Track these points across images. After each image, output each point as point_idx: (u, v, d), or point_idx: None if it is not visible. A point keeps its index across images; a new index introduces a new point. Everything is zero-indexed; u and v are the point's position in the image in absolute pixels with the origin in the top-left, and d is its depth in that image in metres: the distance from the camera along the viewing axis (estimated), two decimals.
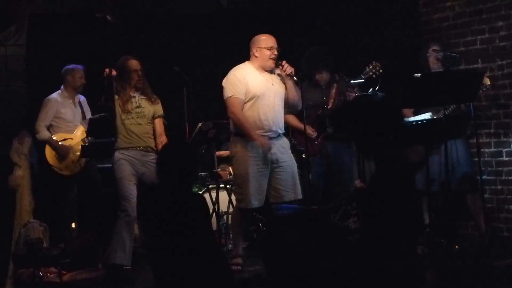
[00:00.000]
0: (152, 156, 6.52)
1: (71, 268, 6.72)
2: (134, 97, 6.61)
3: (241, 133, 6.27)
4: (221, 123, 6.97)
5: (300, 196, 6.37)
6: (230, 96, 6.28)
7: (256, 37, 6.40)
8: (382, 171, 5.63)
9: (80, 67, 7.50)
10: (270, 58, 6.30)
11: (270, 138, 6.28)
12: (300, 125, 6.69)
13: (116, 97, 6.51)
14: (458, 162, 6.84)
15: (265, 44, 6.31)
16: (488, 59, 7.31)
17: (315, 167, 6.95)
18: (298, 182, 6.40)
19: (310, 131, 6.97)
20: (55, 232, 7.13)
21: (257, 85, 6.27)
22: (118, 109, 6.52)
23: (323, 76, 7.18)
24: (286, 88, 6.36)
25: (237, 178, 6.39)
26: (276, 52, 6.31)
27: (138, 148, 6.50)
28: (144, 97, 6.66)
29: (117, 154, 6.50)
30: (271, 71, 6.37)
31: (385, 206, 5.45)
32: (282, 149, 6.35)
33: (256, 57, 6.35)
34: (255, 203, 6.25)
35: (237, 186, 6.41)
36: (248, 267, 6.36)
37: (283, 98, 6.37)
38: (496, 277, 5.76)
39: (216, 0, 8.46)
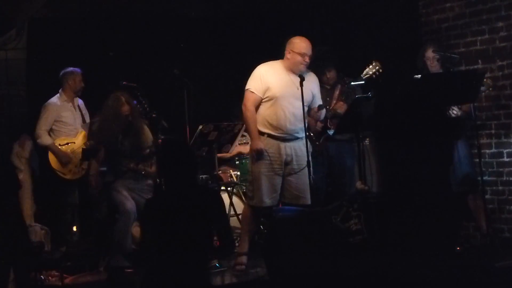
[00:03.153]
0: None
1: (73, 272, 6.73)
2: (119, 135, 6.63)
3: (260, 131, 6.32)
4: (222, 125, 6.97)
5: (309, 202, 6.37)
6: (247, 89, 6.37)
7: (293, 38, 6.42)
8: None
9: (78, 70, 7.50)
10: (301, 64, 6.31)
11: (287, 140, 6.31)
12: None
13: None
14: (459, 163, 6.84)
15: (298, 49, 6.32)
16: (488, 60, 7.30)
17: (317, 168, 6.95)
18: (308, 188, 6.40)
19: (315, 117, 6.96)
20: (57, 236, 7.14)
21: (279, 86, 6.31)
22: None
23: (331, 75, 7.17)
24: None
25: (250, 175, 6.45)
26: (307, 59, 6.33)
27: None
28: (129, 133, 6.67)
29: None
30: (301, 75, 6.33)
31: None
32: (299, 152, 6.36)
33: (287, 58, 6.38)
34: (268, 201, 6.29)
35: (249, 183, 6.45)
36: (250, 269, 6.36)
37: (308, 103, 6.37)
38: (497, 278, 5.76)
39: None
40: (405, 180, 7.27)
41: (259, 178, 6.26)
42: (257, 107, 6.37)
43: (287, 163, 6.32)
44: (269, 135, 6.30)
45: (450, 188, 6.78)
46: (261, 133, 6.32)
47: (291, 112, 6.30)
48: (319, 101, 6.56)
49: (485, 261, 6.14)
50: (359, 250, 6.02)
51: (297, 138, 6.38)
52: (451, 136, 6.79)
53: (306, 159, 6.32)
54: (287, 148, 6.32)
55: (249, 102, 6.33)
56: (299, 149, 6.36)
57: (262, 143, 6.28)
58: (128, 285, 6.26)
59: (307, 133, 6.89)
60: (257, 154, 6.27)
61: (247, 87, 6.37)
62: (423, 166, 6.89)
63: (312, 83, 6.48)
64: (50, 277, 6.53)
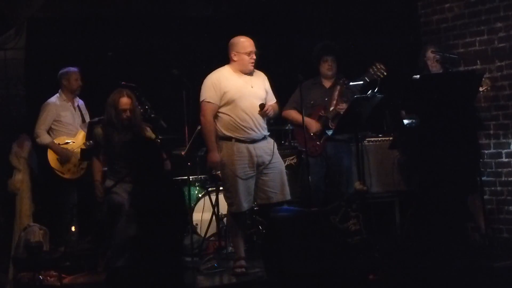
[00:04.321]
0: None
1: (71, 272, 6.72)
2: (120, 134, 6.52)
3: (226, 137, 6.28)
4: None
5: (288, 197, 6.37)
6: (202, 100, 6.32)
7: (234, 40, 6.37)
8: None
9: (74, 69, 7.49)
10: (249, 63, 6.31)
11: (255, 141, 6.29)
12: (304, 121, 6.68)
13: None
14: None
15: (243, 49, 6.29)
16: (487, 61, 7.31)
17: (316, 169, 6.95)
18: (286, 183, 6.39)
19: (316, 125, 6.96)
20: (55, 236, 7.13)
21: (234, 89, 6.27)
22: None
23: (331, 66, 7.13)
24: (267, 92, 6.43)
25: (225, 182, 6.39)
26: (254, 57, 6.31)
27: None
28: (129, 133, 6.52)
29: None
30: (251, 73, 6.37)
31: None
32: (268, 150, 6.34)
33: (234, 60, 6.35)
34: (245, 205, 6.27)
35: (226, 190, 6.42)
36: (248, 269, 6.35)
37: (262, 100, 6.35)
38: (496, 278, 5.76)
39: None
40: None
41: (236, 185, 6.23)
42: (216, 116, 6.31)
43: (258, 165, 6.30)
44: (237, 140, 6.26)
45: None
46: (229, 138, 6.27)
47: (252, 112, 6.28)
48: (272, 97, 6.51)
49: (483, 261, 6.14)
50: (357, 251, 6.03)
51: (264, 137, 6.37)
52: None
53: (276, 156, 6.36)
54: (256, 149, 6.29)
55: (207, 112, 6.26)
56: (267, 148, 6.35)
57: (219, 156, 6.25)
58: (127, 286, 6.25)
59: (311, 134, 6.95)
60: (213, 167, 6.28)
61: (202, 98, 6.31)
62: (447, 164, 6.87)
63: (262, 80, 6.44)
64: (48, 277, 6.52)
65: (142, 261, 4.54)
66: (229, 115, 6.26)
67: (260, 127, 6.32)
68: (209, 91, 6.29)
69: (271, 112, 6.40)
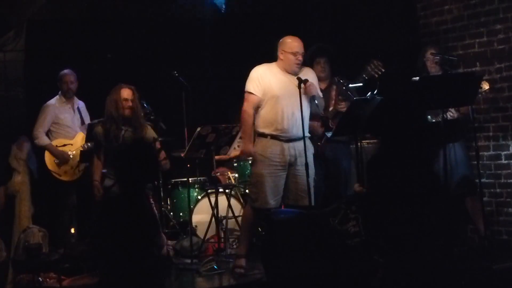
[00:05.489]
0: None
1: (71, 273, 6.72)
2: (121, 130, 6.55)
3: (263, 132, 6.30)
4: (220, 127, 6.98)
5: (308, 203, 6.35)
6: (246, 91, 6.35)
7: (283, 38, 6.42)
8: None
9: (68, 71, 7.50)
10: (294, 63, 6.32)
11: (291, 140, 6.30)
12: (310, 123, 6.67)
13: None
14: (457, 165, 6.84)
15: (290, 49, 6.33)
16: (486, 62, 7.31)
17: (315, 170, 6.94)
18: (311, 188, 6.39)
19: (318, 125, 6.98)
20: (55, 238, 7.13)
21: (278, 86, 6.30)
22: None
23: (324, 68, 7.14)
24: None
25: (253, 177, 6.41)
26: (300, 58, 6.33)
27: None
28: (130, 129, 6.57)
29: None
30: (297, 73, 6.37)
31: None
32: (303, 153, 6.30)
33: (281, 59, 6.38)
34: (272, 203, 6.26)
35: (252, 185, 6.43)
36: (248, 271, 6.35)
37: (308, 101, 6.37)
38: (495, 280, 5.76)
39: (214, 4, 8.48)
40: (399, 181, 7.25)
41: (262, 180, 6.24)
42: (257, 109, 6.35)
43: (291, 164, 6.31)
44: (272, 136, 6.28)
45: (447, 190, 6.77)
46: (264, 135, 6.29)
47: (291, 112, 6.28)
48: (320, 93, 6.53)
49: (483, 263, 6.15)
50: (356, 252, 6.02)
51: (301, 138, 6.35)
52: (450, 138, 6.78)
53: (310, 159, 6.33)
54: (291, 149, 6.31)
55: (247, 103, 6.32)
56: (302, 150, 6.32)
57: (253, 148, 6.27)
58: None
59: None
60: (245, 157, 6.29)
61: (246, 89, 6.35)
62: (415, 169, 6.88)
63: (308, 77, 6.42)
64: (48, 279, 6.52)
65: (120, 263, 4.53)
66: (269, 111, 6.29)
67: (300, 127, 6.30)
68: (253, 83, 6.33)
69: (313, 90, 6.33)
